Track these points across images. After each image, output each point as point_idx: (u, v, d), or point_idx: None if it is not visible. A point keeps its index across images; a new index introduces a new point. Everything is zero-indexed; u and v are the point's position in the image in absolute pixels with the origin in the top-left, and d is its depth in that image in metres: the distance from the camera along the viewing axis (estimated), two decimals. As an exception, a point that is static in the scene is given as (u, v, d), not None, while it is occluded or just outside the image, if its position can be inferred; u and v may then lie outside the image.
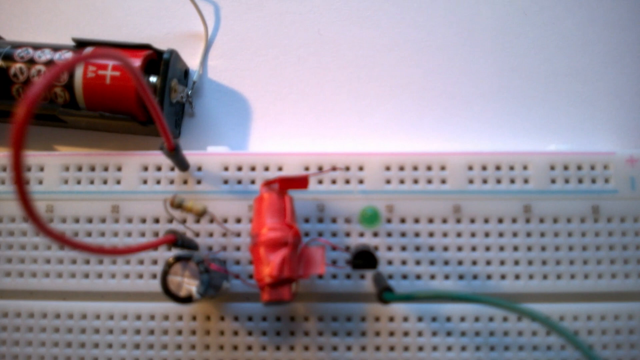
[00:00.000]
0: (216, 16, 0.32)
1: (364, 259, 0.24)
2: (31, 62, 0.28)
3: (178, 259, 0.23)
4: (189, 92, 0.31)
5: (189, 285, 0.23)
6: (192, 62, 0.32)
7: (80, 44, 0.29)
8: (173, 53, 0.29)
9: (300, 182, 0.25)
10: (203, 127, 0.31)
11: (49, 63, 0.28)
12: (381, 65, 0.31)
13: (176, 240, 0.24)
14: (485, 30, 0.31)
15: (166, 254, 0.27)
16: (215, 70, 0.32)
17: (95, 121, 0.28)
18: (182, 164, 0.27)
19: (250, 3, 0.32)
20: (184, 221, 0.27)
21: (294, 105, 0.31)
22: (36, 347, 0.27)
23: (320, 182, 0.28)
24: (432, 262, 0.27)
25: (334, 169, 0.27)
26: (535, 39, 0.31)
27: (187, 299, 0.23)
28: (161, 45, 0.29)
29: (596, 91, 0.30)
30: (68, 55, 0.28)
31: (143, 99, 0.20)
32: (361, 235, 0.27)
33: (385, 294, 0.24)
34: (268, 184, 0.25)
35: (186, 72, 0.31)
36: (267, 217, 0.24)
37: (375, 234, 0.27)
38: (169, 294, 0.23)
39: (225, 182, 0.28)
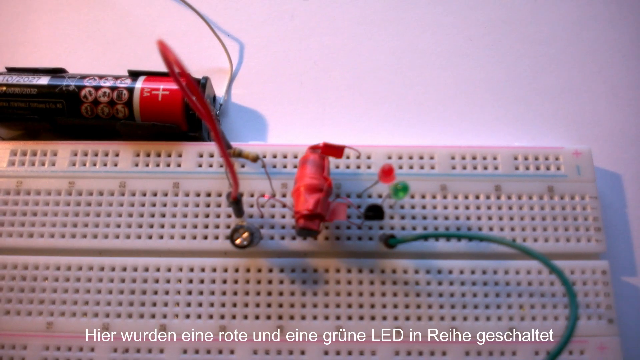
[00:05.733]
0: (240, 55, 0.42)
1: (374, 211, 0.31)
2: (97, 87, 0.36)
3: (240, 227, 0.31)
4: (217, 112, 0.39)
5: (244, 240, 0.30)
6: (219, 90, 0.40)
7: (134, 74, 0.36)
8: (208, 79, 0.37)
9: (337, 151, 0.32)
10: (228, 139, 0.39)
11: (112, 87, 0.35)
12: (374, 82, 0.40)
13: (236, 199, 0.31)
14: (466, 52, 0.41)
15: (214, 221, 0.34)
16: (238, 96, 0.41)
17: (146, 132, 0.35)
18: (226, 144, 0.34)
19: (262, 45, 0.42)
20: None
21: (301, 118, 0.40)
22: (104, 294, 0.33)
23: (337, 167, 0.35)
24: (424, 228, 0.34)
25: (347, 155, 0.35)
26: (504, 58, 0.41)
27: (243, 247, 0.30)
28: (196, 75, 0.37)
29: (550, 100, 0.40)
30: (128, 81, 0.36)
31: (193, 96, 0.28)
32: (369, 207, 0.34)
33: (390, 240, 0.31)
34: (314, 148, 0.32)
35: (214, 97, 0.40)
36: (309, 169, 0.31)
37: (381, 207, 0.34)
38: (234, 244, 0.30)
39: (263, 166, 0.35)
